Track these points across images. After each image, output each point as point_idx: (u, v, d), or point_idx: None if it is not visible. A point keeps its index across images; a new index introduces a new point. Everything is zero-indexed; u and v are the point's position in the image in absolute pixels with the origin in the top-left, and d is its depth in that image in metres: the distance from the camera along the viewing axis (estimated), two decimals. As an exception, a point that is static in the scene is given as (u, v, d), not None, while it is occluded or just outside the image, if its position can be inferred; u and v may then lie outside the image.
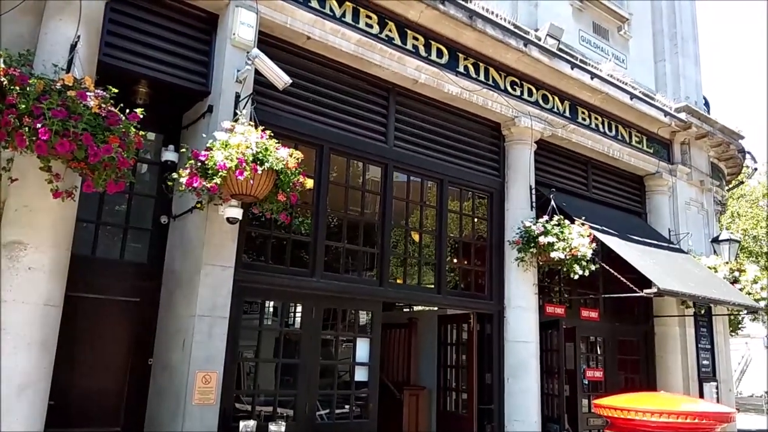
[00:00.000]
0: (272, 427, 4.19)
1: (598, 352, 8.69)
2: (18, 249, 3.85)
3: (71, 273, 4.20)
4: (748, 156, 12.07)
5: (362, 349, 6.22)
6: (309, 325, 5.75)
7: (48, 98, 3.47)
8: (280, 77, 4.97)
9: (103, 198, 4.99)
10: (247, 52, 5.10)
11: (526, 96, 7.66)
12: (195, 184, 4.25)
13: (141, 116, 3.84)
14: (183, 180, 4.30)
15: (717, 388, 9.19)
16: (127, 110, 3.80)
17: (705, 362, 9.19)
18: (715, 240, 10.04)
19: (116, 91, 3.82)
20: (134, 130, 3.77)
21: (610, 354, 8.64)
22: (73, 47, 4.11)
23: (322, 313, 5.88)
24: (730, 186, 13.98)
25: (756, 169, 14.19)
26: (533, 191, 7.44)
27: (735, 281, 9.00)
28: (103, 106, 3.65)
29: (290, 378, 5.72)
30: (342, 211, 6.43)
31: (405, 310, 9.59)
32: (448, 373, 8.04)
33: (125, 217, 5.22)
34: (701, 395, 8.60)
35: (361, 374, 6.16)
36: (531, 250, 6.90)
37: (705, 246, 9.92)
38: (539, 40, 7.59)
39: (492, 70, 7.35)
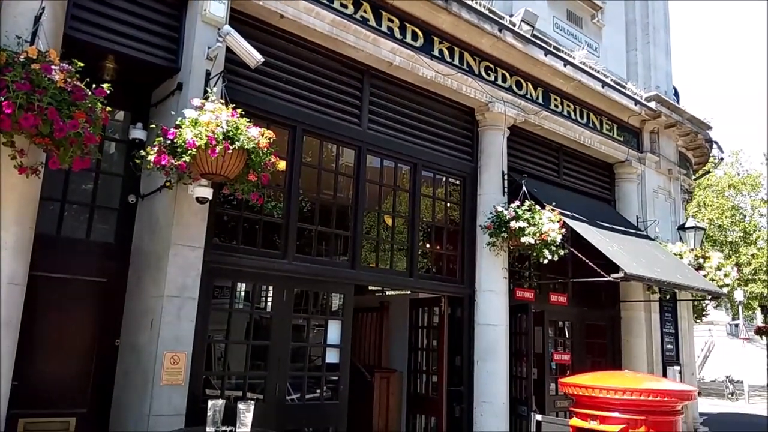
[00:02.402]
0: (241, 405, 4.17)
1: (566, 336, 8.86)
2: (-21, 226, 3.74)
3: (36, 252, 4.10)
4: (715, 146, 12.33)
5: (334, 331, 6.23)
6: (280, 308, 5.73)
7: (11, 71, 3.37)
8: (252, 55, 4.90)
9: (68, 176, 4.87)
10: (219, 29, 5.01)
11: (500, 82, 7.69)
12: (163, 162, 4.18)
13: (108, 91, 3.75)
14: (151, 158, 4.22)
15: (680, 371, 9.45)
16: (94, 85, 3.70)
17: (669, 346, 9.43)
18: (682, 227, 10.26)
19: (82, 65, 3.72)
20: (101, 105, 3.68)
21: (578, 338, 8.80)
22: (37, 19, 3.98)
23: (293, 296, 5.85)
24: (697, 175, 14.28)
25: (722, 159, 14.50)
26: (506, 177, 7.50)
27: (699, 268, 9.24)
28: (69, 80, 3.55)
29: (261, 361, 5.70)
30: (315, 194, 6.40)
31: (377, 294, 9.61)
32: (419, 356, 8.10)
33: (92, 196, 5.11)
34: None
35: (332, 357, 6.17)
36: (502, 234, 6.96)
37: (672, 233, 10.14)
38: (514, 25, 7.61)
39: (467, 55, 7.35)
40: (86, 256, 4.94)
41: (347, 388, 6.04)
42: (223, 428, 4.08)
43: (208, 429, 4.09)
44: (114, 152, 5.35)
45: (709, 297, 10.15)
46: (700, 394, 14.58)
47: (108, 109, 3.77)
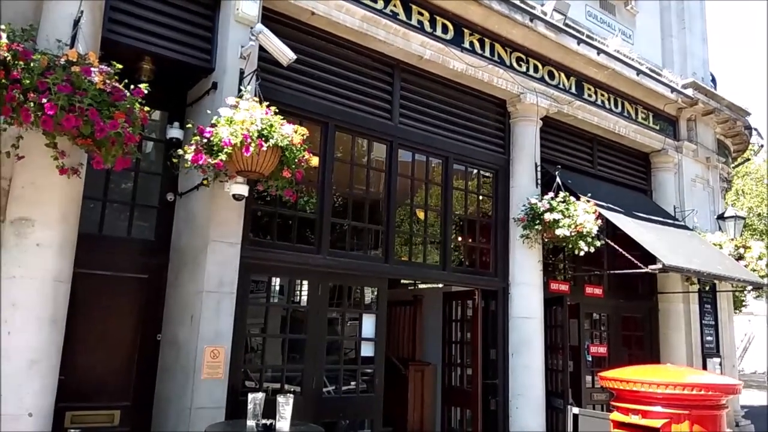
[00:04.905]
0: (280, 399, 4.23)
1: (602, 329, 8.73)
2: (26, 225, 3.86)
3: (79, 250, 4.22)
4: (754, 133, 11.98)
5: (368, 325, 6.25)
6: (315, 302, 5.79)
7: (53, 74, 3.45)
8: (284, 53, 4.94)
9: (108, 176, 5.00)
10: (251, 28, 5.06)
11: (531, 72, 7.59)
12: (200, 161, 4.24)
13: (145, 92, 3.82)
14: (188, 157, 4.29)
15: (720, 364, 9.24)
16: (132, 86, 3.78)
17: (709, 338, 9.23)
18: (721, 217, 10.00)
19: (120, 66, 3.80)
20: (139, 105, 3.76)
21: (614, 330, 8.67)
22: (76, 23, 4.07)
23: (328, 290, 5.91)
24: (736, 163, 13.91)
25: (762, 146, 14.09)
26: (538, 168, 7.41)
27: (740, 258, 9.00)
28: (108, 81, 3.63)
29: (297, 354, 5.78)
30: (347, 189, 6.43)
31: (410, 287, 9.62)
32: (453, 349, 8.09)
33: (131, 194, 5.23)
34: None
35: (367, 350, 6.20)
36: (536, 227, 6.89)
37: (710, 223, 9.89)
38: (545, 15, 7.49)
39: (498, 46, 7.27)
40: (127, 253, 5.06)
41: (382, 380, 6.07)
42: (263, 421, 4.14)
43: (248, 422, 4.16)
44: (152, 151, 5.46)
45: (750, 287, 9.88)
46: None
47: (146, 109, 3.84)
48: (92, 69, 3.61)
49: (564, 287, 7.79)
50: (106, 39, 4.55)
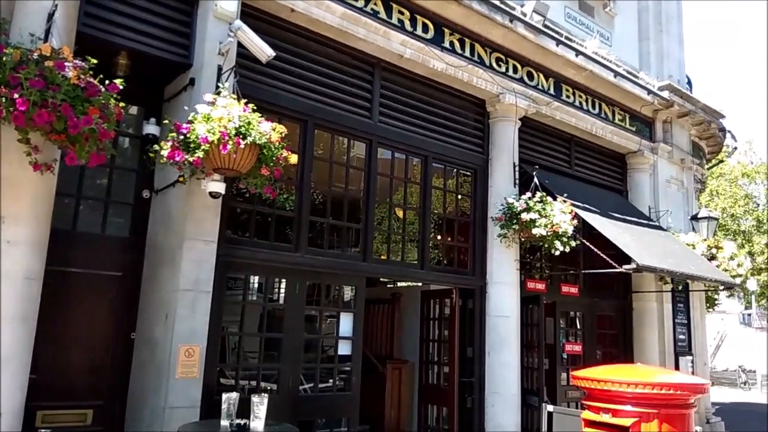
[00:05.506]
0: (255, 398, 4.22)
1: (578, 327, 8.85)
2: (-4, 222, 3.79)
3: (52, 247, 4.15)
4: (728, 135, 12.21)
5: (346, 323, 6.26)
6: (293, 300, 5.78)
7: (25, 68, 3.39)
8: (263, 50, 4.91)
9: (83, 172, 4.93)
10: (230, 24, 5.02)
11: (511, 73, 7.65)
12: (177, 158, 4.21)
13: (121, 87, 3.77)
14: (164, 153, 4.25)
15: (692, 362, 9.42)
16: (107, 81, 3.73)
17: (681, 337, 9.40)
18: (694, 217, 10.19)
19: (95, 61, 3.74)
20: (114, 101, 3.70)
21: (589, 328, 8.80)
22: (50, 16, 4.00)
23: (305, 288, 5.90)
24: (710, 164, 14.15)
25: (736, 148, 14.37)
26: (517, 168, 7.48)
27: (712, 258, 9.18)
28: (82, 76, 3.57)
29: (274, 353, 5.76)
30: (326, 187, 6.42)
31: (389, 286, 9.64)
32: (431, 347, 8.13)
33: (106, 191, 5.16)
34: (677, 368, 8.82)
35: (344, 348, 6.21)
36: (513, 226, 6.95)
37: (684, 223, 10.07)
38: (525, 16, 7.54)
39: (477, 46, 7.31)
40: (101, 251, 5.00)
41: (359, 379, 6.08)
42: (238, 421, 4.13)
43: (222, 422, 4.14)
44: (128, 147, 5.40)
45: (722, 287, 10.08)
46: (712, 384, 14.52)
47: (121, 104, 3.79)
48: (66, 64, 3.55)
49: (540, 286, 7.88)
50: (82, 33, 4.48)
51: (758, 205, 28.25)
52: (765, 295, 29.77)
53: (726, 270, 9.10)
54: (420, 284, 8.32)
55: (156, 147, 4.41)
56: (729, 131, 12.09)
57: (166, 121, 4.69)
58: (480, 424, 6.98)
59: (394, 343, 8.88)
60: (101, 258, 4.96)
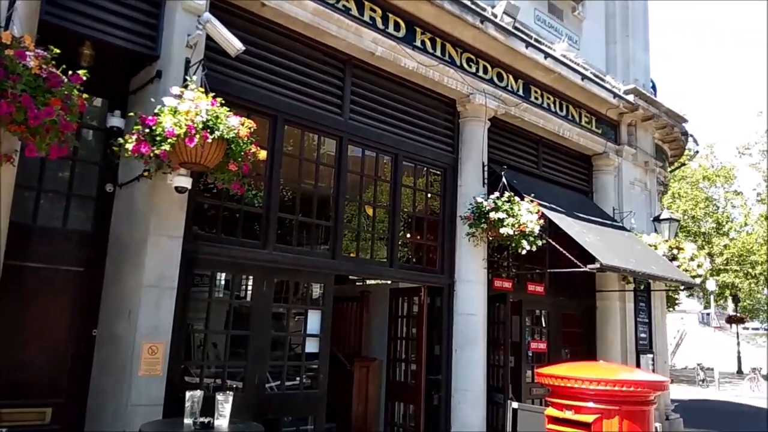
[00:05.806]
0: (219, 396, 4.17)
1: (543, 325, 8.98)
2: (-48, 215, 3.67)
3: (11, 241, 4.04)
4: (690, 139, 12.54)
5: (314, 321, 6.24)
6: (260, 298, 5.72)
7: (-17, 57, 3.29)
8: (232, 43, 4.85)
9: (44, 164, 4.79)
10: (199, 17, 4.94)
11: (481, 73, 7.71)
12: (143, 151, 4.13)
13: (84, 78, 3.67)
14: (129, 146, 4.16)
15: (653, 360, 9.65)
16: (70, 72, 3.63)
17: (643, 335, 9.62)
18: (657, 219, 10.44)
19: (58, 51, 3.63)
20: (77, 92, 3.60)
21: (554, 327, 8.94)
22: (11, 3, 3.87)
23: (273, 286, 5.85)
24: (673, 167, 14.51)
25: (697, 152, 14.78)
26: (486, 168, 7.55)
27: (673, 258, 9.42)
28: (44, 66, 3.46)
29: (241, 350, 5.70)
30: (296, 184, 6.38)
31: (358, 283, 9.63)
32: (399, 345, 8.16)
33: (68, 184, 5.03)
34: (638, 366, 9.02)
35: (312, 346, 6.18)
36: (482, 225, 7.02)
37: (647, 224, 10.31)
38: (496, 17, 7.62)
39: (449, 46, 7.35)
40: (63, 245, 4.87)
41: (327, 376, 6.06)
42: (202, 419, 4.08)
43: (186, 420, 4.09)
44: (91, 140, 5.27)
45: (683, 287, 10.36)
46: (672, 381, 14.92)
47: (85, 96, 3.68)
48: (27, 53, 3.44)
49: (507, 285, 7.98)
50: (44, 22, 4.36)
51: (718, 207, 29.13)
52: (723, 295, 30.70)
53: (686, 270, 9.34)
54: (389, 282, 8.34)
55: (121, 140, 4.33)
56: (691, 135, 12.43)
57: (132, 114, 4.59)
58: (446, 421, 7.03)
59: (362, 341, 8.89)
60: (62, 253, 4.84)
